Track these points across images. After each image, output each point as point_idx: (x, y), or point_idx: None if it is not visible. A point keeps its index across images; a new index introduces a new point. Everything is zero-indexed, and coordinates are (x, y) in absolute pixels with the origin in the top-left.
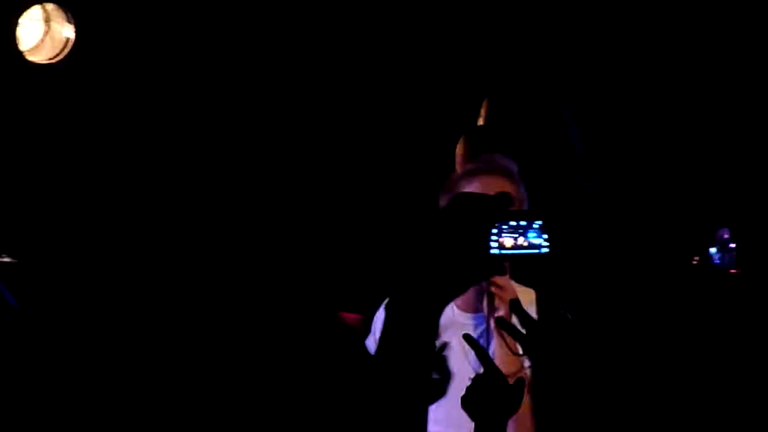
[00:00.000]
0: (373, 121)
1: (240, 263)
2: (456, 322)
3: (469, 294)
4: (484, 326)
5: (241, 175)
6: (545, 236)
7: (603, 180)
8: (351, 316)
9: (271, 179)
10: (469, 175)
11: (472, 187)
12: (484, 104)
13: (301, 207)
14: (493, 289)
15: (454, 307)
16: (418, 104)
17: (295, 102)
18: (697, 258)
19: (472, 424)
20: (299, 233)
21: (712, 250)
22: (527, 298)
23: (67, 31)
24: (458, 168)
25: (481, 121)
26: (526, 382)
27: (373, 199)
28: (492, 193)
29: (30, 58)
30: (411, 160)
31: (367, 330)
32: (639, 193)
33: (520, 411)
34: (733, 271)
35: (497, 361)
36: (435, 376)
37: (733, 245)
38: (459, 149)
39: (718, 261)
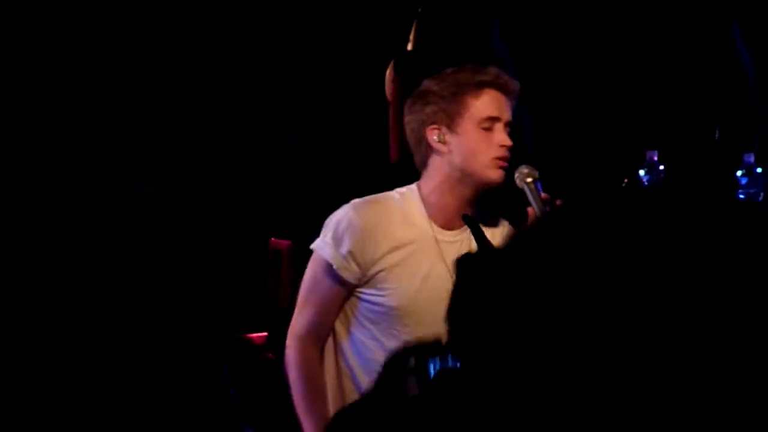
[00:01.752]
0: (302, 48)
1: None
2: (438, 239)
3: (450, 213)
4: (462, 242)
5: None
6: None
7: (532, 109)
8: (282, 243)
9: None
10: (476, 85)
11: (482, 99)
12: (413, 28)
13: (231, 135)
14: None
15: (434, 226)
16: (346, 29)
17: (224, 23)
18: (626, 180)
19: None
20: (230, 159)
21: (641, 171)
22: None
23: None
24: (388, 93)
25: (410, 46)
26: None
27: (302, 124)
28: (496, 111)
29: None
30: (340, 85)
31: (296, 256)
32: (567, 116)
33: None
34: None
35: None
36: None
37: (662, 167)
38: (389, 74)
39: (647, 183)
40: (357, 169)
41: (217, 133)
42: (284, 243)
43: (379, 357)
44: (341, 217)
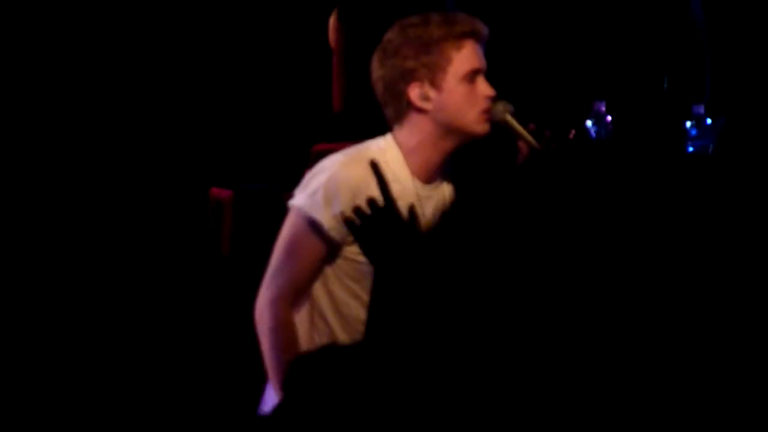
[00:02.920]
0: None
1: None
2: (419, 195)
3: (431, 167)
4: (439, 195)
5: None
6: None
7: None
8: (223, 192)
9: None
10: (456, 36)
11: (463, 51)
12: None
13: (170, 79)
14: None
15: (416, 180)
16: None
17: None
18: (573, 131)
19: None
20: (170, 106)
21: (588, 122)
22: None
23: None
24: (331, 41)
25: None
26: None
27: (246, 71)
28: (478, 62)
29: None
30: (283, 32)
31: (238, 205)
32: (513, 65)
33: None
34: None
35: None
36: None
37: (609, 118)
38: (332, 22)
39: (594, 134)
40: (299, 117)
41: (155, 78)
42: (225, 192)
43: (360, 314)
44: (330, 175)
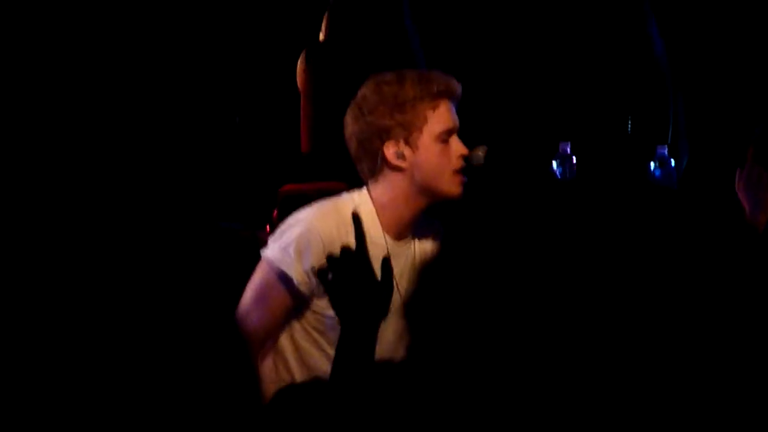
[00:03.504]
0: (212, 37)
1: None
2: (389, 252)
3: (403, 224)
4: (408, 253)
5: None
6: None
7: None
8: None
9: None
10: (431, 96)
11: (438, 111)
12: (325, 18)
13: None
14: None
15: (387, 237)
16: (257, 19)
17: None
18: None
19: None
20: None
21: (554, 163)
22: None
23: None
24: (300, 83)
25: (322, 36)
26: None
27: (213, 115)
28: (452, 122)
29: None
30: (250, 75)
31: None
32: (479, 106)
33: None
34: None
35: None
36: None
37: (574, 159)
38: (300, 65)
39: (559, 174)
40: (268, 160)
41: (130, 124)
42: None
43: (324, 366)
44: (303, 230)
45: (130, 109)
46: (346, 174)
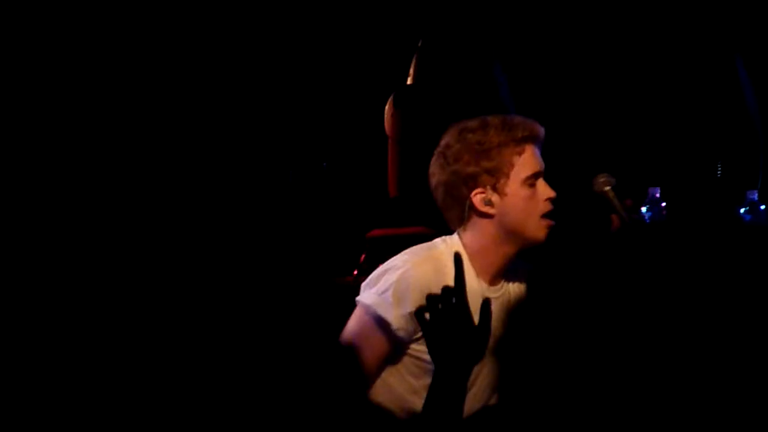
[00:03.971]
0: (302, 82)
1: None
2: (485, 296)
3: (495, 269)
4: (503, 297)
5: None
6: None
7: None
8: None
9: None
10: (516, 141)
11: (524, 156)
12: (413, 63)
13: (231, 171)
14: None
15: (481, 282)
16: (345, 63)
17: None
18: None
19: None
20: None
21: (644, 208)
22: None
23: None
24: (387, 128)
25: (410, 80)
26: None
27: (301, 160)
28: (538, 165)
29: None
30: (339, 119)
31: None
32: (571, 153)
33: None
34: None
35: None
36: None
37: (663, 203)
38: (388, 109)
39: (648, 220)
40: (356, 205)
41: (217, 169)
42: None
43: (418, 410)
44: (401, 275)
45: (220, 150)
46: (433, 219)
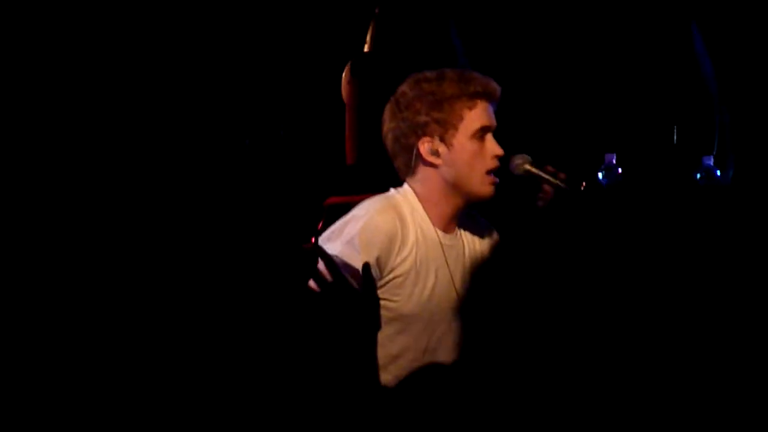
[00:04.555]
0: (256, 50)
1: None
2: (442, 243)
3: (447, 218)
4: (458, 246)
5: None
6: None
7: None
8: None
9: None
10: (469, 95)
11: (475, 110)
12: (370, 30)
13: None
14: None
15: (437, 230)
16: (302, 31)
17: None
18: (584, 183)
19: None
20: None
21: (600, 174)
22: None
23: None
24: (344, 95)
25: (366, 48)
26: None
27: (257, 127)
28: (488, 121)
29: None
30: (295, 87)
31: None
32: (525, 118)
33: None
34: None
35: None
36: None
37: (620, 169)
38: (345, 76)
39: (605, 185)
40: (313, 172)
41: (173, 137)
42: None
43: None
44: (367, 222)
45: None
46: (391, 185)
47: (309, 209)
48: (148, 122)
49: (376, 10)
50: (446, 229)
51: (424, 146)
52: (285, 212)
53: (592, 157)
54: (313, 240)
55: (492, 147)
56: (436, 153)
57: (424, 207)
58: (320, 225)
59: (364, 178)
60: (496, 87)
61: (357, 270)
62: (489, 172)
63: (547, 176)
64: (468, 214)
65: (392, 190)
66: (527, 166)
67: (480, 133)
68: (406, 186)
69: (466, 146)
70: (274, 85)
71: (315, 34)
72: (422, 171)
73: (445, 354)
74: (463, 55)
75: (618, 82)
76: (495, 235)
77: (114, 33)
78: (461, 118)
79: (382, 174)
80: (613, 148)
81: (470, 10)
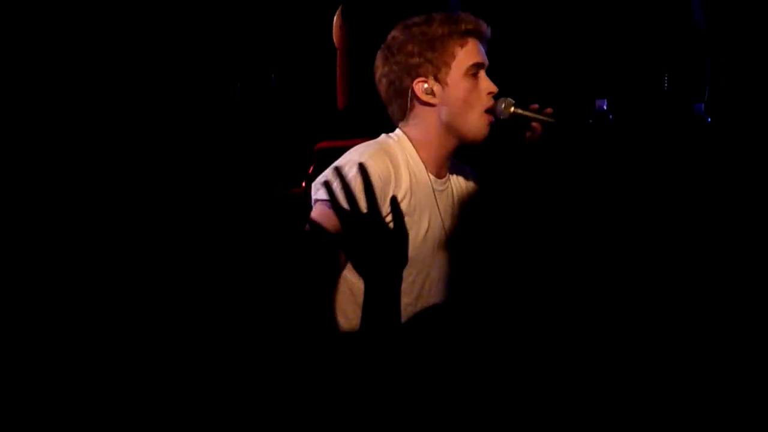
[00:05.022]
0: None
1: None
2: (433, 188)
3: (440, 161)
4: (449, 189)
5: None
6: None
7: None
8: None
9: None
10: (459, 34)
11: (467, 48)
12: None
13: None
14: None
15: (430, 175)
16: None
17: None
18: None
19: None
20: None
21: (590, 121)
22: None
23: None
24: (336, 39)
25: None
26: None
27: (248, 72)
28: (480, 57)
29: None
30: (286, 32)
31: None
32: (515, 64)
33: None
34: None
35: None
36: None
37: (611, 116)
38: (336, 20)
39: None
40: (304, 116)
41: (162, 84)
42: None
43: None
44: (359, 167)
45: (160, 70)
46: (382, 130)
47: (301, 153)
48: (138, 67)
49: None
50: (438, 174)
51: (419, 86)
52: (277, 156)
53: (583, 103)
54: (304, 184)
55: (486, 84)
56: (431, 92)
57: (417, 152)
58: (311, 169)
59: (356, 122)
60: (485, 26)
61: None
62: (485, 112)
63: (534, 114)
64: (460, 163)
65: (383, 136)
66: (513, 109)
67: (474, 70)
68: (399, 131)
69: (461, 84)
70: (264, 29)
71: None
72: (418, 113)
73: (438, 299)
74: (456, 1)
75: (608, 28)
76: (482, 180)
77: None
78: (454, 56)
79: (374, 119)
80: (604, 95)
81: None
